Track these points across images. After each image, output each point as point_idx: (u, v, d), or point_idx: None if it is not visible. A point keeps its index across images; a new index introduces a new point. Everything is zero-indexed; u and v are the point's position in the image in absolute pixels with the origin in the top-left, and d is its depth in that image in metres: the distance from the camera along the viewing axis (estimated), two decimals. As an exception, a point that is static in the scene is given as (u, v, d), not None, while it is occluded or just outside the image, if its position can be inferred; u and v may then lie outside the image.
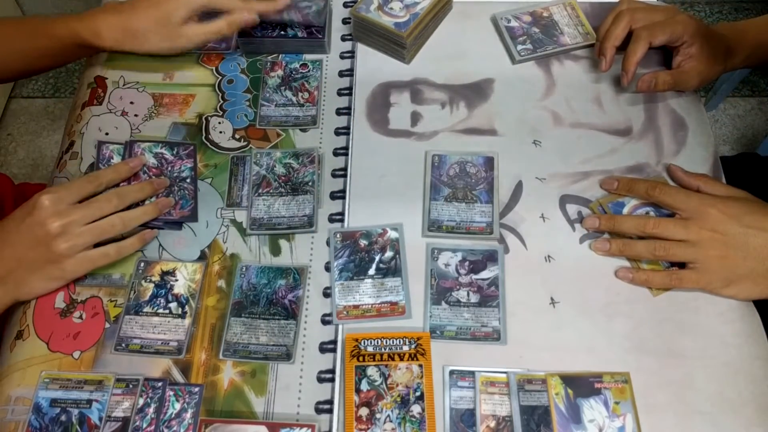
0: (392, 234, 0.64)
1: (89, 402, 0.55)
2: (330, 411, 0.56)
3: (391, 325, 0.60)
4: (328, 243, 0.64)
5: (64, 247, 0.58)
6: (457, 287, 0.61)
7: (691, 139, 0.69)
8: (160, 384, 0.57)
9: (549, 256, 0.63)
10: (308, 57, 0.77)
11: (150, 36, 0.68)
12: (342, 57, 0.77)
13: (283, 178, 0.67)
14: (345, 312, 0.60)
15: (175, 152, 0.69)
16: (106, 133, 0.72)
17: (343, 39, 0.78)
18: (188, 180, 0.68)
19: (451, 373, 0.56)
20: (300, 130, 0.71)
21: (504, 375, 0.56)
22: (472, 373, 0.56)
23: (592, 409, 0.54)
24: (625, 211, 0.64)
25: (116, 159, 0.69)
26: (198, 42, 0.71)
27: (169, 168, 0.68)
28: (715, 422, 0.54)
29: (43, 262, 0.59)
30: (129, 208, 0.63)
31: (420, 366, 0.57)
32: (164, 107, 0.74)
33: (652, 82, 0.68)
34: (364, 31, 0.76)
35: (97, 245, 0.60)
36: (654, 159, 0.68)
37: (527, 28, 0.77)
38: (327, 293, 0.61)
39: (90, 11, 0.70)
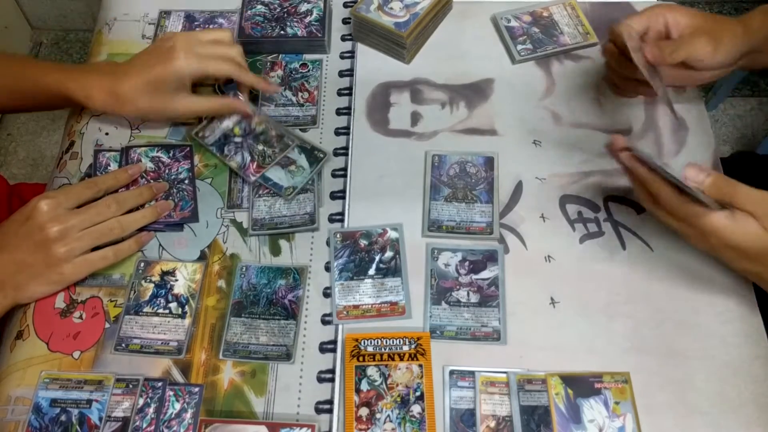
0: (392, 234, 0.64)
1: (89, 402, 0.55)
2: (330, 411, 0.56)
3: (391, 325, 0.60)
4: (328, 243, 0.64)
5: (62, 251, 0.58)
6: (457, 287, 0.61)
7: (691, 139, 0.69)
8: (160, 384, 0.57)
9: (549, 256, 0.63)
10: (308, 57, 0.77)
11: (139, 102, 0.65)
12: (342, 57, 0.77)
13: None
14: (345, 312, 0.60)
15: (171, 155, 0.69)
16: (106, 134, 0.72)
17: (343, 39, 0.78)
18: (186, 181, 0.68)
19: (451, 373, 0.56)
20: (300, 129, 0.71)
21: (504, 375, 0.56)
22: (472, 373, 0.56)
23: (592, 409, 0.54)
24: None
25: (113, 166, 0.69)
26: (187, 115, 0.69)
27: (167, 171, 0.68)
28: (715, 422, 0.54)
29: (42, 266, 0.59)
30: (129, 212, 0.63)
31: (420, 366, 0.57)
32: (164, 107, 0.73)
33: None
34: (364, 31, 0.76)
35: (95, 249, 0.60)
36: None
37: (527, 28, 0.77)
38: (327, 293, 0.61)
39: (83, 68, 0.67)
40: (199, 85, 0.73)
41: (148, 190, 0.65)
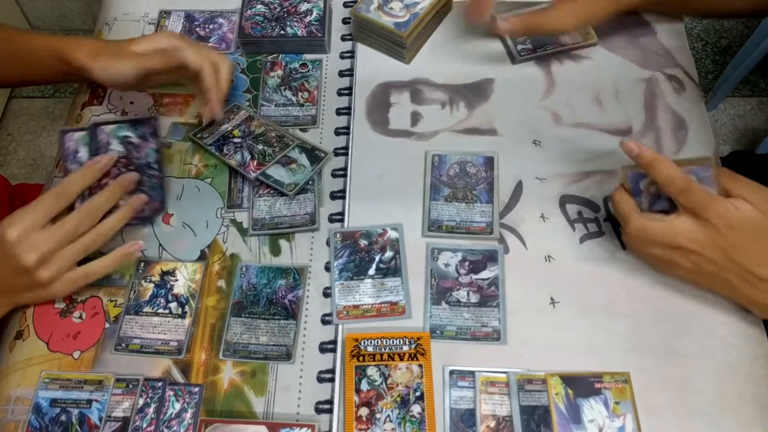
0: (392, 234, 0.64)
1: (89, 402, 0.55)
2: (330, 411, 0.56)
3: (391, 325, 0.60)
4: (328, 243, 0.64)
5: (46, 275, 0.56)
6: (457, 287, 0.61)
7: (691, 139, 0.69)
8: (160, 384, 0.57)
9: (549, 256, 0.63)
10: (308, 57, 0.77)
11: (101, 58, 0.62)
12: (342, 57, 0.77)
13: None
14: (345, 312, 0.60)
15: (139, 133, 0.67)
16: (106, 133, 0.72)
17: (343, 39, 0.78)
18: (154, 164, 0.65)
19: (451, 373, 0.56)
20: (300, 130, 0.71)
21: (504, 375, 0.56)
22: (472, 373, 0.56)
23: (592, 409, 0.54)
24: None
25: (82, 152, 0.66)
26: (134, 64, 0.62)
27: (137, 154, 0.65)
28: (715, 422, 0.54)
29: (28, 288, 0.58)
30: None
31: (420, 366, 0.57)
32: (164, 107, 0.74)
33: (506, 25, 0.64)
34: (364, 31, 0.76)
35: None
36: (654, 159, 0.68)
37: (527, 28, 0.77)
38: (327, 293, 0.61)
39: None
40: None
41: (117, 188, 0.61)
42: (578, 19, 0.64)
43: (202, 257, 0.64)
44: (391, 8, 0.74)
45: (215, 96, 0.66)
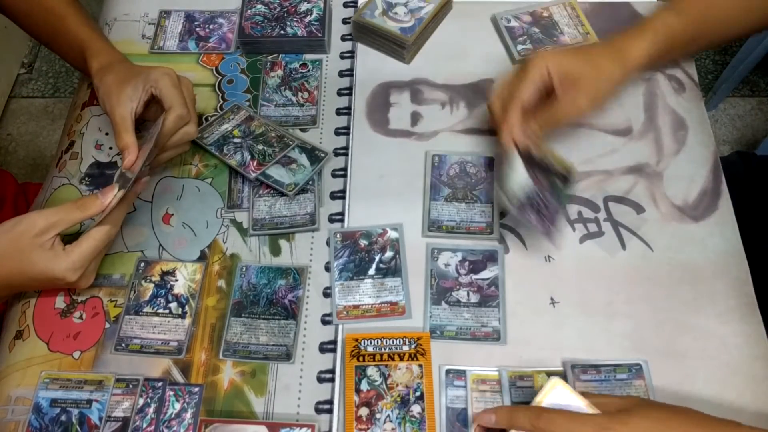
0: (392, 234, 0.64)
1: (89, 402, 0.55)
2: (330, 411, 0.56)
3: (391, 325, 0.60)
4: (328, 243, 0.64)
5: (79, 278, 0.56)
6: (457, 287, 0.61)
7: (691, 139, 0.69)
8: (160, 384, 0.57)
9: (549, 256, 0.63)
10: (308, 57, 0.77)
11: (107, 77, 0.63)
12: (342, 57, 0.77)
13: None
14: (345, 312, 0.60)
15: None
16: (106, 133, 0.72)
17: (343, 39, 0.78)
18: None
19: (447, 372, 0.56)
20: (300, 130, 0.71)
21: (495, 373, 0.56)
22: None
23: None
24: None
25: None
26: (123, 111, 0.61)
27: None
28: (715, 422, 0.54)
29: (60, 286, 0.58)
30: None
31: (420, 366, 0.57)
32: (164, 107, 0.74)
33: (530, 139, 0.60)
34: (364, 31, 0.76)
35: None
36: (654, 159, 0.68)
37: (527, 28, 0.77)
38: (327, 293, 0.61)
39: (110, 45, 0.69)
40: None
41: (134, 195, 0.61)
42: (588, 103, 0.60)
43: (202, 257, 0.64)
44: (396, 13, 0.74)
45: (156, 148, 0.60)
